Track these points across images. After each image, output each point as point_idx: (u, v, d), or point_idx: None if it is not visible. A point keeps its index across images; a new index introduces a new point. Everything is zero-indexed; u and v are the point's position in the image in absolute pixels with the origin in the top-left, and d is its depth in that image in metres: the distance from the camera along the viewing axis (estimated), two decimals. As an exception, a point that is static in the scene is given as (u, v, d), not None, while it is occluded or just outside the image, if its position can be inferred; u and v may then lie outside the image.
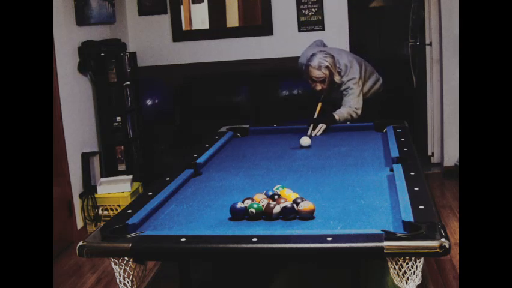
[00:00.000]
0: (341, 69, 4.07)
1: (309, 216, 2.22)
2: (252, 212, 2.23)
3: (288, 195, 2.35)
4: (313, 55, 4.04)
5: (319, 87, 4.04)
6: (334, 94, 4.17)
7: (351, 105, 4.03)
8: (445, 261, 3.56)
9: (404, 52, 6.64)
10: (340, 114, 3.99)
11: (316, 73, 3.98)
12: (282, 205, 2.23)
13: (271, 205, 2.23)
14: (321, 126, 3.84)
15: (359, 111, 4.04)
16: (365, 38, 7.43)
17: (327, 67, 3.97)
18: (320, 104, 4.05)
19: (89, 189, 4.54)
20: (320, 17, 5.58)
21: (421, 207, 2.17)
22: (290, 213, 2.21)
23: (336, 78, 4.03)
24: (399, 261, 1.90)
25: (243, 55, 5.70)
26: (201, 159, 3.14)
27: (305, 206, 2.22)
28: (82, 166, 4.56)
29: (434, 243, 1.85)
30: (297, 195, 2.33)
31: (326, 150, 3.40)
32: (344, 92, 4.08)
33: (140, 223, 2.24)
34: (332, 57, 4.02)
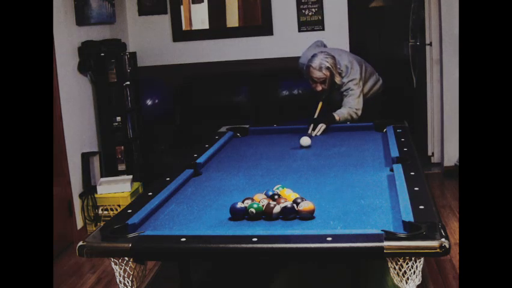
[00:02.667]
0: (341, 70, 4.07)
1: (309, 216, 2.22)
2: (252, 212, 2.23)
3: (288, 195, 2.35)
4: (314, 56, 4.04)
5: (319, 87, 4.04)
6: (334, 95, 4.17)
7: (351, 105, 4.02)
8: (445, 261, 3.56)
9: (404, 52, 6.64)
10: (340, 114, 3.99)
11: (317, 74, 3.98)
12: (282, 205, 2.23)
13: (271, 205, 2.23)
14: (321, 126, 3.84)
15: (359, 112, 4.04)
16: (365, 38, 7.43)
17: (328, 68, 3.97)
18: (320, 104, 4.06)
19: (89, 189, 4.54)
20: (319, 17, 5.58)
21: (421, 207, 2.17)
22: (290, 213, 2.21)
23: (337, 79, 4.03)
24: (399, 261, 1.90)
25: (243, 55, 5.70)
26: (201, 159, 3.14)
27: (305, 206, 2.22)
28: (82, 166, 4.56)
29: (434, 243, 1.85)
30: (297, 195, 2.33)
31: (326, 150, 3.40)
32: (345, 93, 4.08)
33: (140, 223, 2.25)
34: (333, 58, 4.02)
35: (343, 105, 4.06)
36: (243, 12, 5.73)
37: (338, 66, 4.05)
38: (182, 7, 5.73)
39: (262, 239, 1.97)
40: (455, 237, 3.85)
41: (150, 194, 2.56)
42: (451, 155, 5.34)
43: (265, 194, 2.38)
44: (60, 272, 3.83)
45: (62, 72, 4.33)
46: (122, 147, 4.86)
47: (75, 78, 4.55)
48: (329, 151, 3.38)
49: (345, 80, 4.06)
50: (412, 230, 1.95)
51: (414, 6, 5.82)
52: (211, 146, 3.46)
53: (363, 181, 2.69)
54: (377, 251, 1.87)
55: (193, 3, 5.75)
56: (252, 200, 2.31)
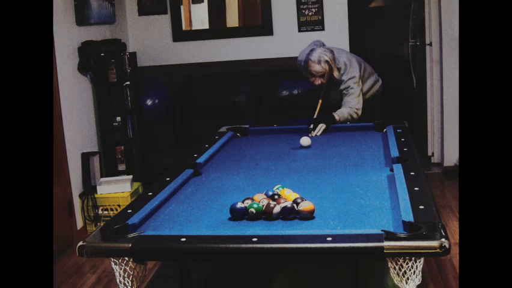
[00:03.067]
0: (340, 67, 4.07)
1: (309, 216, 2.22)
2: (252, 212, 2.23)
3: (288, 195, 2.35)
4: (312, 50, 4.04)
5: (318, 81, 4.04)
6: (334, 94, 4.17)
7: (351, 105, 4.02)
8: (445, 261, 3.56)
9: (404, 52, 6.64)
10: (340, 114, 3.98)
11: (316, 67, 3.98)
12: (282, 205, 2.23)
13: (271, 205, 2.23)
14: (321, 126, 3.84)
15: (360, 112, 4.04)
16: (365, 38, 7.43)
17: (326, 61, 3.97)
18: (319, 102, 4.06)
19: (89, 189, 4.54)
20: (320, 17, 5.58)
21: (421, 207, 2.18)
22: (290, 213, 2.21)
23: (336, 74, 4.03)
24: (399, 261, 1.90)
25: (243, 55, 5.70)
26: (201, 159, 3.14)
27: (305, 206, 2.22)
28: (82, 166, 4.56)
29: (434, 243, 1.85)
30: (297, 195, 2.33)
31: (326, 150, 3.40)
32: (344, 92, 4.08)
33: (140, 223, 2.25)
34: (332, 52, 4.03)
35: (343, 105, 4.06)
36: (243, 12, 5.73)
37: (337, 63, 4.05)
38: (182, 7, 5.73)
39: (262, 239, 1.97)
40: (455, 237, 3.85)
41: (150, 194, 2.56)
42: (451, 155, 5.34)
43: (265, 194, 2.38)
44: (61, 272, 3.83)
45: (62, 72, 4.33)
46: (122, 147, 4.86)
47: (75, 78, 4.55)
48: (328, 151, 3.38)
49: (344, 77, 4.06)
50: (412, 230, 1.95)
51: (414, 6, 5.82)
52: (211, 146, 3.46)
53: (363, 181, 2.69)
54: (377, 251, 1.87)
55: (193, 3, 5.75)
56: (252, 200, 2.31)
